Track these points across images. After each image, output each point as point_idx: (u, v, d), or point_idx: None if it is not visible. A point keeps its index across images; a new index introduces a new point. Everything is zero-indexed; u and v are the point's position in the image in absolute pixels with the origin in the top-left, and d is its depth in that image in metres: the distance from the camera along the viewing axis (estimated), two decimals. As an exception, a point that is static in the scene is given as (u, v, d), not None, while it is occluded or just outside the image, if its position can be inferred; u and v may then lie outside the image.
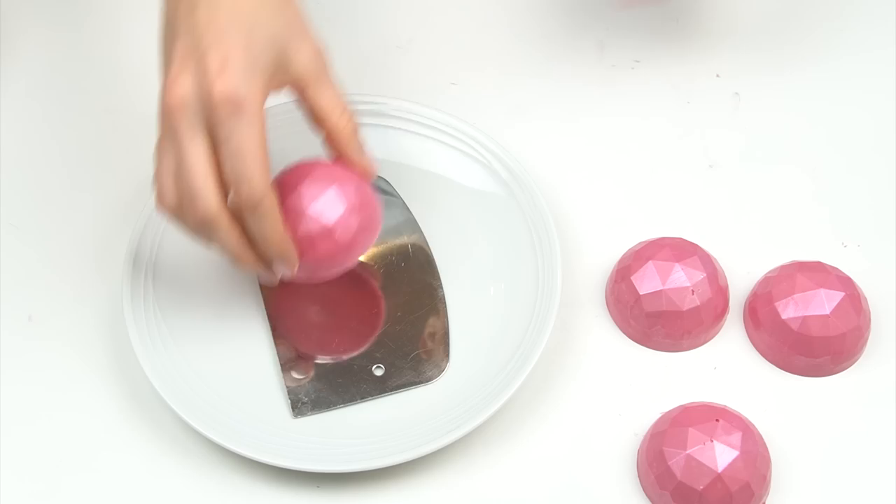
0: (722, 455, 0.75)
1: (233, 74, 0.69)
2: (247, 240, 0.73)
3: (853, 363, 0.82)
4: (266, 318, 0.82)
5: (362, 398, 0.80)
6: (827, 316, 0.80)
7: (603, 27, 0.94)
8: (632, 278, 0.82)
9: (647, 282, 0.82)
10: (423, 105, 0.88)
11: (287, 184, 0.76)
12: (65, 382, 0.81)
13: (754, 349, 0.83)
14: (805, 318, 0.80)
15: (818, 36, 0.95)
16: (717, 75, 0.93)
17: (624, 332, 0.83)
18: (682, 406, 0.79)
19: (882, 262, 0.86)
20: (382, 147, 0.86)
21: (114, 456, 0.79)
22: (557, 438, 0.80)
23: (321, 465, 0.77)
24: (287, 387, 0.80)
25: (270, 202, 0.71)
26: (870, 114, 0.92)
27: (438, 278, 0.84)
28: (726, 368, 0.82)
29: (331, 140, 0.75)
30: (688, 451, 0.75)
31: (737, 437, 0.76)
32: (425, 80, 0.93)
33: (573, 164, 0.89)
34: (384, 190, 0.86)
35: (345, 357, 0.81)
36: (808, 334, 0.80)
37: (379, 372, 0.81)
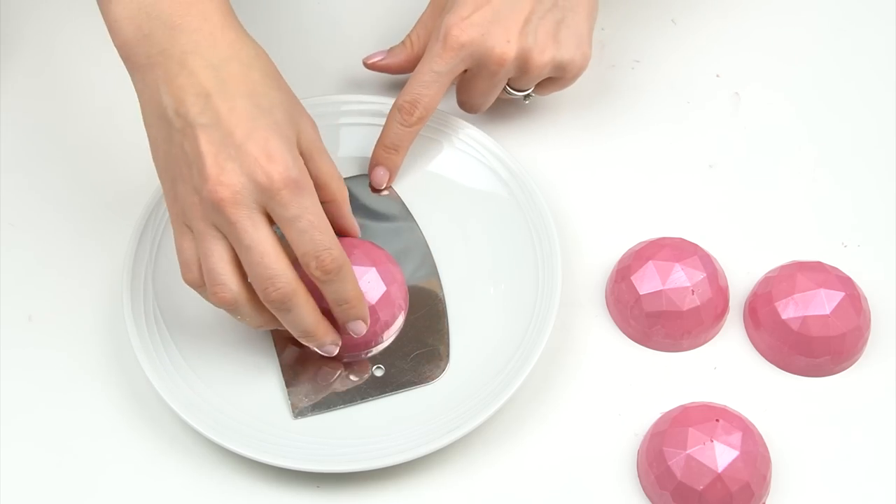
0: (722, 455, 0.75)
1: (282, 159, 0.72)
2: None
3: (853, 363, 0.82)
4: (266, 318, 0.82)
5: (362, 398, 0.80)
6: (827, 316, 0.80)
7: (603, 27, 0.94)
8: (632, 278, 0.82)
9: (647, 282, 0.81)
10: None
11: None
12: (65, 382, 0.81)
13: (754, 349, 0.83)
14: (805, 318, 0.80)
15: (818, 36, 0.95)
16: (717, 75, 0.93)
17: (624, 332, 0.83)
18: (682, 406, 0.79)
19: (882, 262, 0.86)
20: (382, 147, 0.86)
21: (114, 456, 0.79)
22: (557, 438, 0.80)
23: (321, 466, 0.77)
24: (287, 387, 0.80)
25: (349, 265, 0.75)
26: (870, 114, 0.91)
27: (438, 278, 0.84)
28: (726, 368, 0.82)
29: (330, 205, 0.78)
30: (688, 451, 0.75)
31: (737, 437, 0.76)
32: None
33: (573, 164, 0.89)
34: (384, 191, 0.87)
35: (345, 357, 0.81)
36: (808, 334, 0.80)
37: (379, 372, 0.81)
